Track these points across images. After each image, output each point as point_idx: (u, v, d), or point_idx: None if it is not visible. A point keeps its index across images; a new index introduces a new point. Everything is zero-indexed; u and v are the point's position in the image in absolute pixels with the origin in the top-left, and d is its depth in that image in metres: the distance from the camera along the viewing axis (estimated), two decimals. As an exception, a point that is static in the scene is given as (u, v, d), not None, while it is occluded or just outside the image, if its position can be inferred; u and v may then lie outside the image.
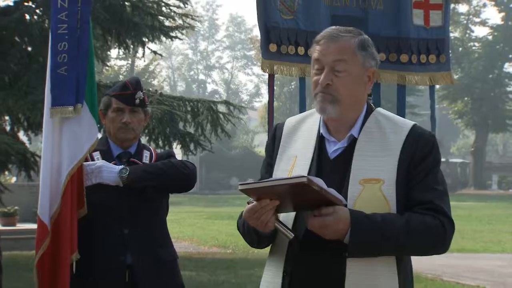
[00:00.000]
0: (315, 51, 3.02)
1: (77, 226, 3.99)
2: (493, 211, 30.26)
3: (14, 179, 23.23)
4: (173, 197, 4.35)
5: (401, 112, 5.17)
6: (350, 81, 2.97)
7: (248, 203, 2.85)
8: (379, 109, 3.14)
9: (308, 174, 2.88)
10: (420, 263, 13.83)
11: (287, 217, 2.95)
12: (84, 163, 4.06)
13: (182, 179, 4.20)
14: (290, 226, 2.92)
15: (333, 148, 3.03)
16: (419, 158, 2.96)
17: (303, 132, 3.14)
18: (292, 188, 2.73)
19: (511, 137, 69.08)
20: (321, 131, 3.07)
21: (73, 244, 3.97)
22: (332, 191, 2.80)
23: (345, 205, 2.84)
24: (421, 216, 2.89)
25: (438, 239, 2.94)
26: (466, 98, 51.72)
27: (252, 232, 2.97)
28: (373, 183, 2.91)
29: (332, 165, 3.00)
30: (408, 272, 3.03)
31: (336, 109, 2.97)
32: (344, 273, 2.86)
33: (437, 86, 5.13)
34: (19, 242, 15.17)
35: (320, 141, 3.06)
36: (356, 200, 2.89)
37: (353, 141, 3.02)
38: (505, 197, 41.69)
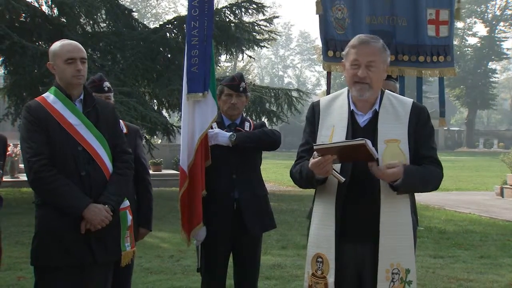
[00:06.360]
0: (352, 53, 2.95)
1: (205, 172, 4.04)
2: (480, 163, 29.82)
3: (159, 141, 23.67)
4: (263, 154, 4.35)
5: (419, 96, 5.07)
6: (378, 73, 2.93)
7: (313, 157, 2.82)
8: (387, 91, 3.09)
9: (346, 138, 2.88)
10: (429, 198, 13.68)
11: (335, 167, 2.91)
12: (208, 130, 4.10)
13: (271, 142, 4.16)
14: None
15: (362, 119, 2.98)
16: (422, 125, 2.95)
17: (336, 108, 3.05)
18: (351, 148, 2.70)
19: (492, 113, 67.30)
20: (351, 107, 3.01)
21: (202, 184, 4.00)
22: (373, 149, 2.75)
23: (377, 159, 2.81)
24: (433, 167, 2.94)
25: (438, 180, 2.99)
26: (462, 86, 50.93)
27: (312, 178, 2.92)
28: (393, 142, 2.89)
29: (363, 131, 2.95)
30: (415, 209, 3.05)
31: (370, 93, 2.93)
32: (379, 205, 2.85)
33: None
34: (163, 182, 15.54)
35: (351, 114, 2.99)
36: (383, 154, 2.85)
37: (375, 114, 2.97)
38: (488, 153, 40.93)
